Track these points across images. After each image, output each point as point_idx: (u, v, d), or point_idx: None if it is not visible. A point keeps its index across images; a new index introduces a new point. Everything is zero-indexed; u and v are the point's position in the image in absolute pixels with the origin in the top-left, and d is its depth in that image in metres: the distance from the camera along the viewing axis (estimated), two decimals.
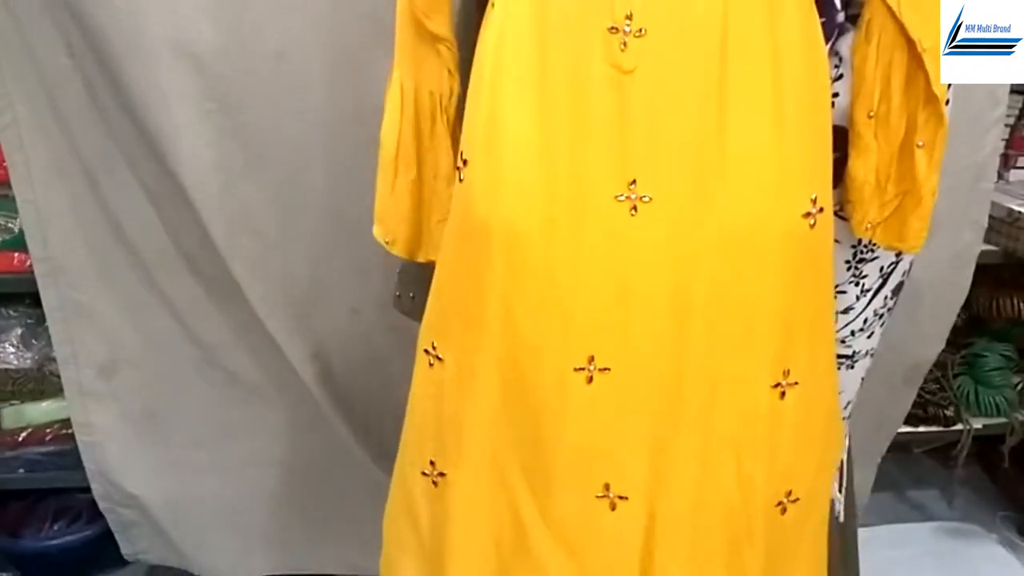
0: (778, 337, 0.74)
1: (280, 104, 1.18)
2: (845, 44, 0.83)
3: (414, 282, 1.03)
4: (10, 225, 1.40)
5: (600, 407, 0.73)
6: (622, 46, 0.69)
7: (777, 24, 0.71)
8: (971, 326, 1.58)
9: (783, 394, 0.75)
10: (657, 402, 0.73)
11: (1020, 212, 1.45)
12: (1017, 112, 1.55)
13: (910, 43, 0.76)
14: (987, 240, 1.46)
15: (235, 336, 1.39)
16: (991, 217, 1.45)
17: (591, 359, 0.72)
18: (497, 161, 0.73)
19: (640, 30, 0.69)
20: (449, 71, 0.86)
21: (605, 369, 0.72)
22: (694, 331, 0.72)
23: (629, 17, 0.69)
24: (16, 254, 1.42)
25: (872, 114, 0.79)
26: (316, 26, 1.14)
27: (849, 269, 0.89)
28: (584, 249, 0.71)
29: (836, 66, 0.83)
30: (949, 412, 1.62)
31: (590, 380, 0.72)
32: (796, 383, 0.75)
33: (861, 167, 0.80)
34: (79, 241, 1.34)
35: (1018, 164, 1.59)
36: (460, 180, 0.76)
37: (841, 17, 0.82)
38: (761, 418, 0.75)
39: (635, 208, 0.70)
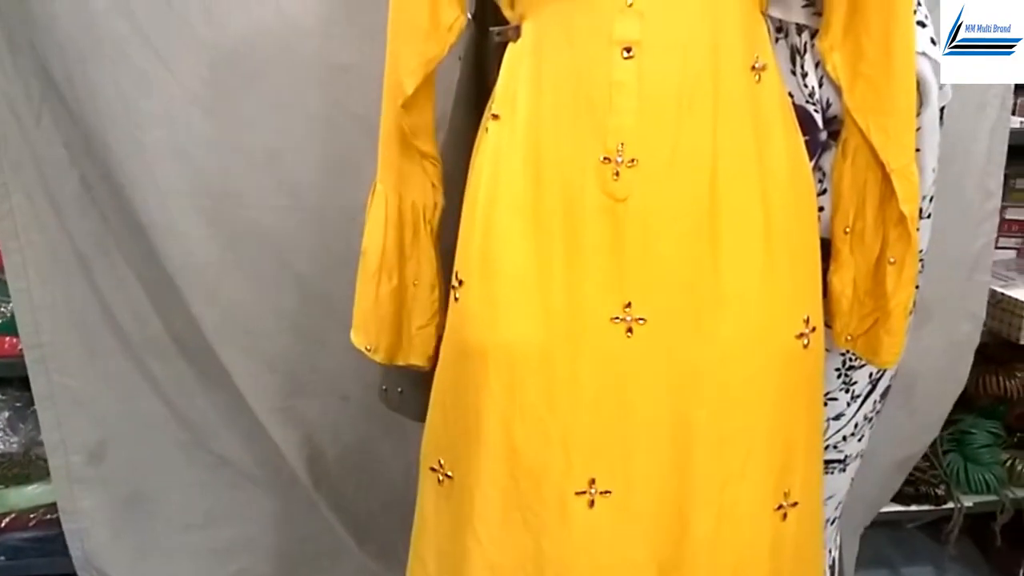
0: (779, 458, 0.76)
1: (273, 200, 1.21)
2: (828, 160, 0.87)
3: (400, 377, 1.05)
4: (2, 309, 1.41)
5: (603, 531, 0.74)
6: (615, 176, 0.73)
7: (764, 149, 0.75)
8: (958, 403, 1.60)
9: (785, 515, 0.77)
10: (661, 526, 0.74)
11: (1003, 294, 1.49)
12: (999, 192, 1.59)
13: (881, 164, 0.80)
14: None
15: (224, 420, 1.39)
16: None
17: (592, 482, 0.74)
18: (493, 284, 0.75)
19: (632, 160, 0.72)
20: (433, 185, 0.89)
21: (607, 492, 0.74)
22: (696, 455, 0.74)
23: (621, 148, 0.72)
24: (7, 338, 1.42)
25: (848, 230, 0.83)
26: (309, 125, 1.18)
27: (839, 376, 0.92)
28: (582, 371, 0.73)
29: (820, 180, 0.87)
30: (940, 491, 1.63)
31: (592, 504, 0.74)
32: (796, 503, 0.77)
33: (839, 280, 0.84)
34: (71, 327, 1.35)
35: (1000, 245, 1.63)
36: (455, 299, 0.79)
37: (824, 135, 0.86)
38: (766, 543, 0.76)
39: (631, 330, 0.73)
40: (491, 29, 0.86)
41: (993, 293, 1.49)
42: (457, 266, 0.80)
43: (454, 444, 0.79)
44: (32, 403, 1.44)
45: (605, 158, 0.73)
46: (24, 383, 1.43)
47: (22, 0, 1.13)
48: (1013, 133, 1.43)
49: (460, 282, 0.79)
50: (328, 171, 1.20)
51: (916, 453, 1.49)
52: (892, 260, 0.81)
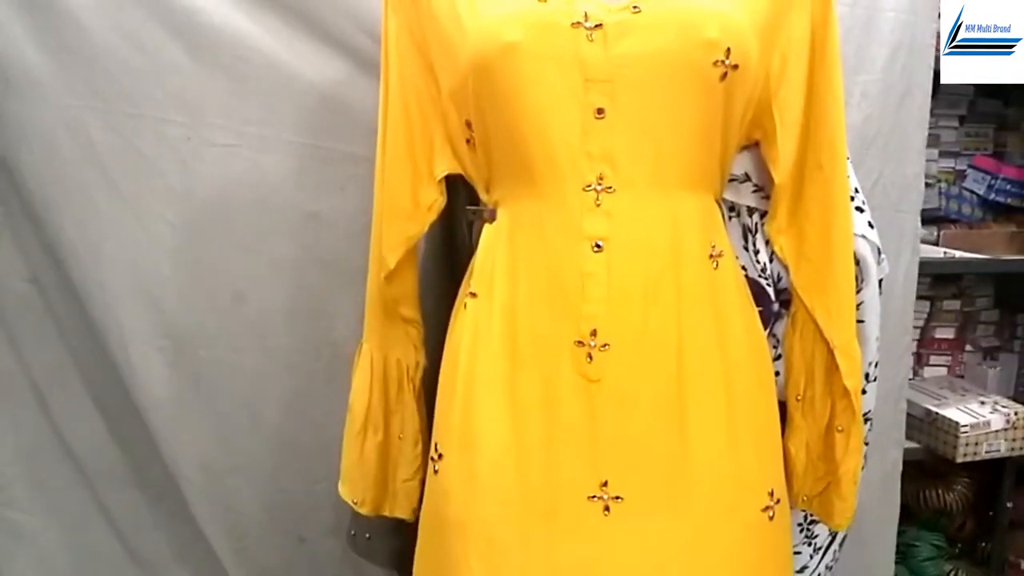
0: None
1: (237, 341, 1.23)
2: (780, 328, 0.95)
3: (369, 523, 1.07)
4: None
5: None
6: (588, 358, 0.78)
7: (724, 329, 0.82)
8: (901, 517, 1.68)
9: None
10: None
11: (936, 413, 1.59)
12: (926, 314, 1.72)
13: (826, 340, 0.88)
14: (908, 437, 1.59)
15: (178, 556, 1.37)
16: (911, 416, 1.59)
17: None
18: (472, 460, 0.80)
19: (604, 344, 0.78)
20: (415, 346, 0.95)
21: None
22: None
23: (594, 333, 0.78)
24: None
25: (800, 397, 0.91)
26: (276, 269, 1.21)
27: (802, 531, 0.98)
28: (560, 550, 0.77)
29: (775, 347, 0.95)
30: None
31: None
32: None
33: (793, 444, 0.91)
34: (19, 460, 1.33)
35: (931, 362, 1.76)
36: (435, 472, 0.83)
37: (776, 306, 0.95)
38: None
39: (608, 508, 0.78)
40: (467, 208, 0.93)
41: (928, 412, 1.60)
42: (436, 437, 0.84)
43: None
44: None
45: (579, 342, 0.78)
46: None
47: None
48: (936, 263, 1.57)
49: (440, 455, 0.83)
50: (293, 314, 1.23)
51: None
52: (840, 428, 0.89)
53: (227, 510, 1.31)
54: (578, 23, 0.77)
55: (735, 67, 0.77)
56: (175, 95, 1.13)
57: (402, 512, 0.96)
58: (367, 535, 1.09)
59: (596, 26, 0.77)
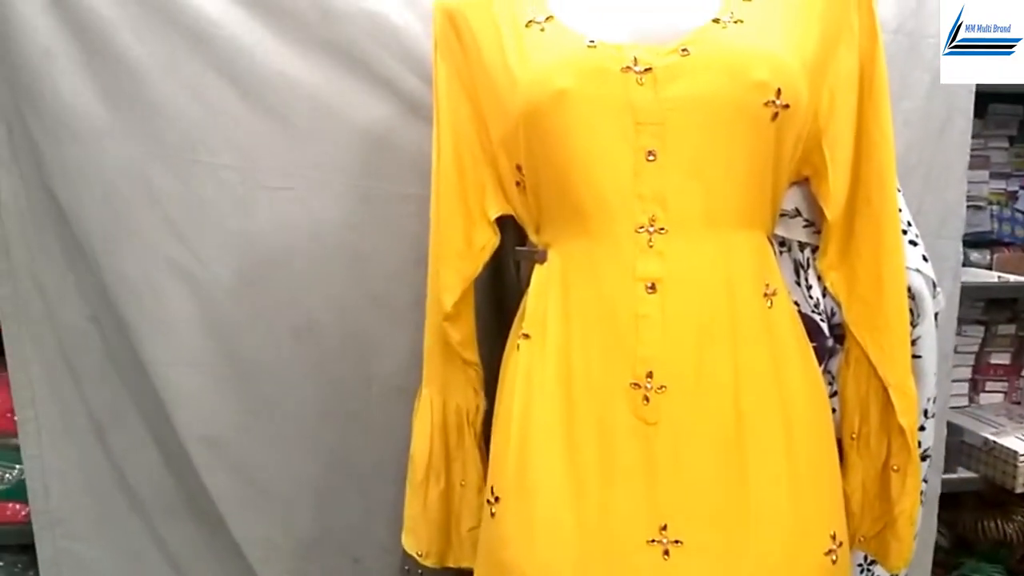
0: None
1: (293, 376, 1.26)
2: (835, 364, 0.94)
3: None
4: (8, 476, 1.43)
5: None
6: (645, 400, 0.79)
7: (780, 368, 0.82)
8: (959, 547, 1.65)
9: None
10: None
11: (994, 442, 1.56)
12: (980, 339, 1.69)
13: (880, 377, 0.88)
14: (967, 467, 1.56)
15: None
16: (968, 444, 1.56)
17: None
18: (529, 504, 0.80)
19: (661, 387, 0.79)
20: (476, 390, 0.97)
21: None
22: None
23: (650, 375, 0.79)
24: (11, 504, 1.43)
25: (855, 436, 0.91)
26: (328, 305, 1.24)
27: (862, 572, 0.97)
28: None
29: (830, 383, 0.94)
30: None
31: None
32: None
33: (848, 483, 0.91)
34: (81, 492, 1.37)
35: (987, 388, 1.72)
36: (492, 515, 0.84)
37: (830, 342, 0.94)
38: None
39: (667, 552, 0.78)
40: (517, 248, 0.94)
41: (985, 441, 1.57)
42: (492, 481, 0.85)
43: None
44: (28, 568, 1.45)
45: (635, 384, 0.79)
46: (22, 549, 1.45)
47: (53, 192, 1.21)
48: (990, 287, 1.55)
49: (496, 498, 0.84)
50: (347, 347, 1.26)
51: None
52: (896, 468, 0.88)
53: (283, 530, 1.33)
54: (628, 68, 0.78)
55: (786, 107, 0.78)
56: (230, 140, 1.16)
57: (468, 562, 0.97)
58: (420, 571, 1.11)
59: (646, 70, 0.78)
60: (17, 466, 1.38)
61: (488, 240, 0.92)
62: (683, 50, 0.78)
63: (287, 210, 1.19)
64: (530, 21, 0.83)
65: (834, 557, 0.81)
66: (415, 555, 0.97)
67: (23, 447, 1.34)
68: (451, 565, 0.97)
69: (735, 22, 0.79)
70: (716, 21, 0.80)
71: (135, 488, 1.37)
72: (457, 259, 0.92)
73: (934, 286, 0.96)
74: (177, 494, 1.37)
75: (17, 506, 1.42)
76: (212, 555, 1.40)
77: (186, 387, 1.25)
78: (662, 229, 0.79)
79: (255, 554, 1.34)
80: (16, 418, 1.33)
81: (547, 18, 0.83)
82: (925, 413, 0.95)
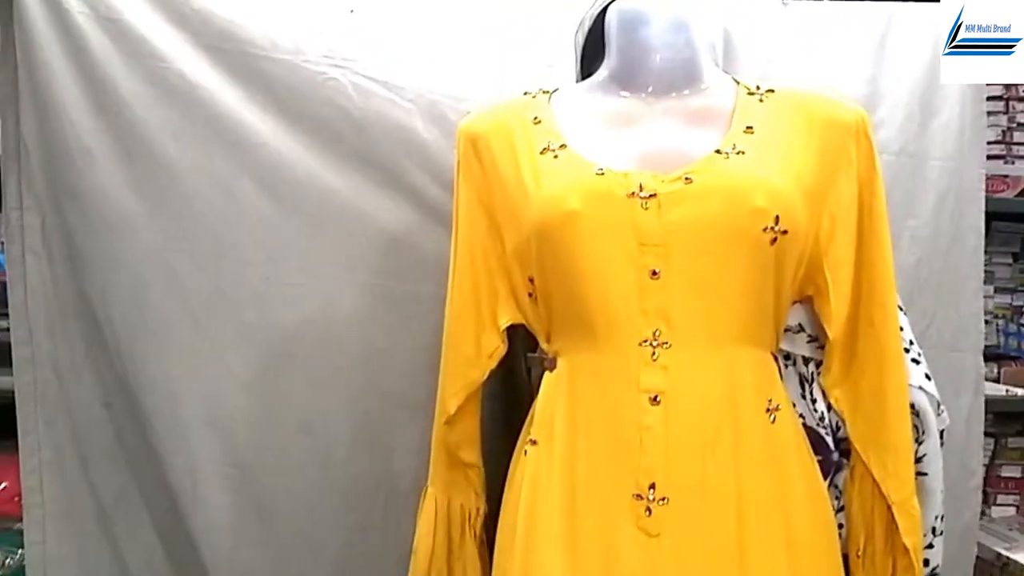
0: None
1: (299, 472, 1.28)
2: (842, 478, 0.96)
3: None
4: (9, 561, 1.44)
5: None
6: (647, 512, 0.82)
7: (783, 483, 0.85)
8: None
9: None
10: None
11: (1008, 557, 1.55)
12: (991, 452, 1.70)
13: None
14: None
15: None
16: (980, 559, 1.55)
17: None
18: None
19: (663, 498, 0.82)
20: (476, 492, 1.00)
21: None
22: None
23: (652, 487, 0.82)
24: None
25: (860, 553, 0.92)
26: (341, 401, 1.28)
27: None
28: None
29: (837, 498, 0.96)
30: None
31: None
32: None
33: None
34: None
35: (998, 502, 1.72)
36: None
37: (836, 455, 0.97)
38: None
39: None
40: (528, 355, 0.99)
41: (998, 555, 1.56)
42: None
43: None
44: None
45: (637, 495, 0.82)
46: None
47: (80, 282, 1.26)
48: (999, 401, 1.57)
49: None
50: (356, 445, 1.29)
51: None
52: None
53: None
54: (633, 193, 0.84)
55: (784, 232, 0.83)
56: (257, 239, 1.23)
57: None
58: None
59: (650, 196, 0.84)
60: (20, 551, 1.39)
61: (496, 348, 0.97)
62: (686, 178, 0.84)
63: (307, 306, 1.25)
64: (545, 148, 0.90)
65: None
66: None
67: (26, 533, 1.35)
68: None
69: (737, 153, 0.86)
70: (719, 152, 0.86)
71: None
72: (465, 365, 0.97)
73: (938, 404, 0.99)
74: None
75: None
76: None
77: (190, 481, 1.28)
78: (666, 343, 0.84)
79: None
80: (23, 503, 1.35)
81: (560, 146, 0.90)
82: (933, 531, 0.96)
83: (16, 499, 1.37)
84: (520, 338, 1.04)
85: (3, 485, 1.44)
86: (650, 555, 0.81)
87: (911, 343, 0.99)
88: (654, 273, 0.84)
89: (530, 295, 0.92)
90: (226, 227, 1.23)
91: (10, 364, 1.30)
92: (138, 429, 1.30)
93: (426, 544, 0.98)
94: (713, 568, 0.81)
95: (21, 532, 1.36)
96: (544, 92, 0.98)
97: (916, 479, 0.94)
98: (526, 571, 0.84)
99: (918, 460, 0.95)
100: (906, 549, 0.89)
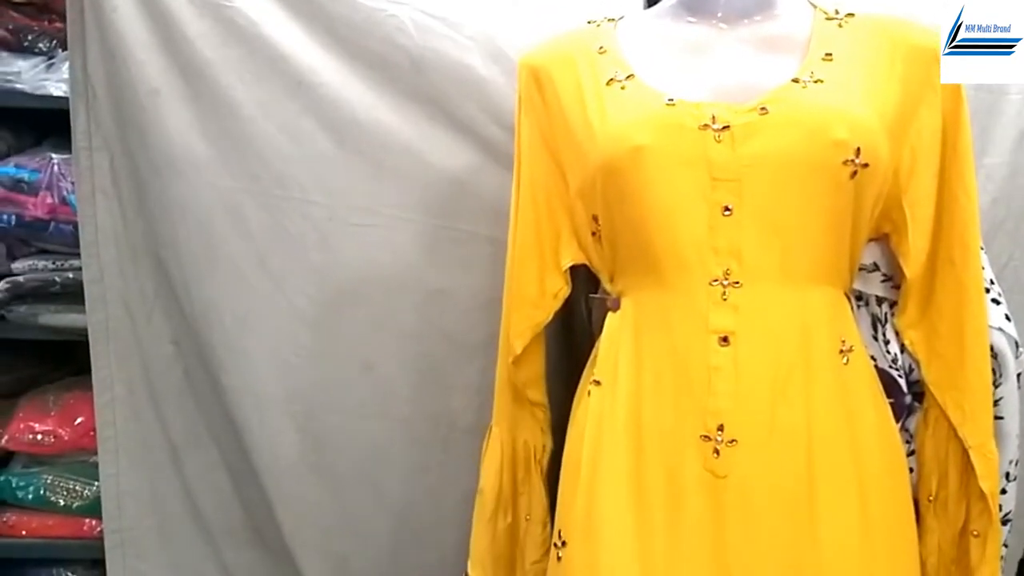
0: None
1: (363, 410, 1.32)
2: (913, 422, 0.95)
3: None
4: (86, 492, 1.52)
5: None
6: (715, 453, 0.82)
7: (855, 426, 0.84)
8: None
9: None
10: None
11: None
12: None
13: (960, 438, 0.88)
14: None
15: None
16: None
17: None
18: (595, 550, 0.84)
19: (732, 440, 0.81)
20: (542, 429, 1.01)
21: None
22: None
23: (721, 428, 0.82)
24: (86, 520, 1.52)
25: (932, 498, 0.91)
26: (402, 341, 1.30)
27: None
28: None
29: (908, 442, 0.95)
30: None
31: None
32: None
33: (924, 547, 0.91)
34: (152, 513, 1.44)
35: None
36: (558, 559, 0.87)
37: (908, 399, 0.95)
38: None
39: None
40: (590, 296, 0.99)
41: None
42: (559, 524, 0.88)
43: None
44: None
45: (705, 436, 0.82)
46: (94, 564, 1.54)
47: (149, 221, 1.31)
48: None
49: (563, 542, 0.87)
50: (416, 384, 1.31)
51: None
52: (976, 533, 0.88)
53: (341, 573, 1.37)
54: (706, 125, 0.82)
55: (865, 166, 0.81)
56: (320, 179, 1.25)
57: None
58: None
59: (724, 128, 0.82)
60: (95, 483, 1.47)
61: (560, 289, 0.97)
62: (762, 109, 0.82)
63: (369, 246, 1.26)
64: (611, 79, 0.88)
65: None
66: None
67: (101, 465, 1.42)
68: None
69: (815, 82, 0.83)
70: (796, 81, 0.84)
71: (204, 513, 1.44)
72: (529, 306, 0.97)
73: (1016, 346, 0.96)
74: (243, 521, 1.44)
75: (93, 522, 1.51)
76: None
77: (257, 417, 1.32)
78: (736, 282, 0.82)
79: None
80: (97, 437, 1.42)
81: (628, 76, 0.88)
82: (1007, 476, 0.94)
83: (91, 433, 1.43)
84: (580, 278, 1.04)
85: (79, 420, 1.51)
86: (717, 496, 0.81)
87: (992, 283, 0.96)
88: (726, 209, 0.82)
89: (594, 234, 0.92)
90: (289, 167, 1.24)
91: (83, 302, 1.35)
92: (205, 367, 1.35)
93: (493, 484, 1.00)
94: (782, 510, 0.81)
95: (96, 465, 1.43)
96: (609, 20, 0.96)
97: (993, 423, 0.92)
98: (590, 509, 0.85)
99: (995, 403, 0.92)
100: (982, 494, 0.87)
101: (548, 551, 0.98)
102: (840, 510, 0.81)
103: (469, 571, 1.01)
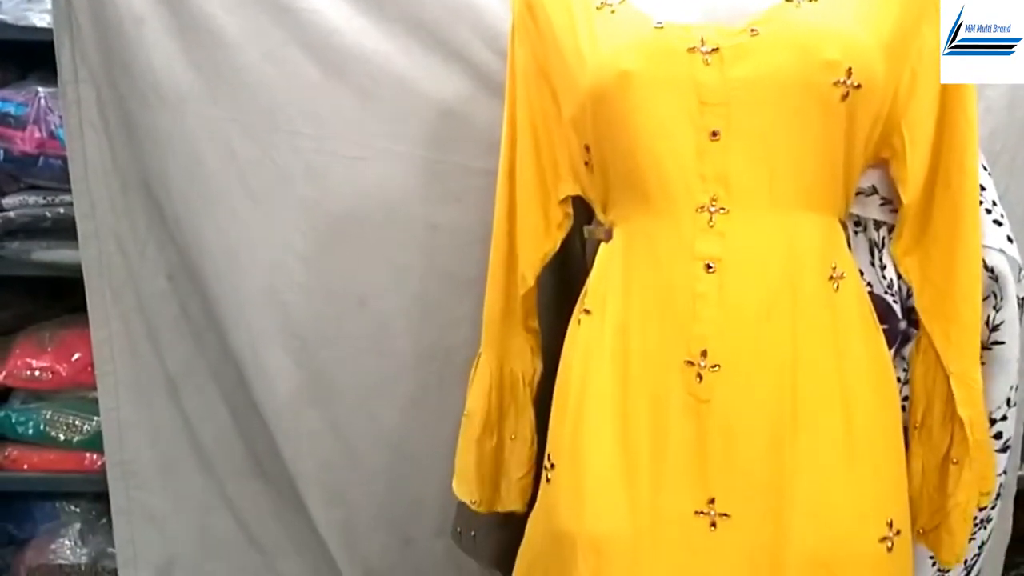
0: None
1: (358, 344, 1.33)
2: (909, 349, 0.95)
3: (475, 522, 1.14)
4: (86, 427, 1.54)
5: None
6: (698, 378, 0.82)
7: (844, 354, 0.84)
8: (1020, 543, 1.61)
9: None
10: None
11: None
12: None
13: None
14: None
15: (295, 545, 1.48)
16: None
17: None
18: (581, 475, 0.85)
19: (715, 365, 0.82)
20: (533, 352, 1.03)
21: None
22: None
23: (704, 354, 0.82)
24: (87, 454, 1.55)
25: (918, 425, 0.92)
26: (396, 275, 1.31)
27: (934, 565, 0.98)
28: (666, 563, 0.82)
29: (905, 370, 0.95)
30: None
31: None
32: None
33: (908, 472, 0.91)
34: (154, 447, 1.47)
35: None
36: (547, 480, 0.89)
37: (903, 324, 0.95)
38: None
39: (714, 524, 0.82)
40: (585, 227, 0.99)
41: None
42: (549, 448, 0.90)
43: None
44: (102, 516, 1.57)
45: (689, 362, 0.83)
46: (96, 497, 1.58)
47: (138, 154, 1.30)
48: None
49: (552, 465, 0.89)
50: (411, 319, 1.32)
51: None
52: (955, 460, 0.89)
53: (341, 507, 1.41)
54: (694, 48, 0.81)
55: (857, 87, 0.79)
56: (307, 110, 1.23)
57: (516, 506, 1.05)
58: (472, 533, 1.17)
59: (713, 50, 0.81)
60: (95, 418, 1.50)
61: (564, 218, 0.97)
62: (752, 30, 0.80)
63: (360, 180, 1.26)
64: (602, 4, 0.87)
65: (889, 544, 0.82)
66: (469, 503, 1.03)
67: (101, 400, 1.44)
68: (499, 510, 1.05)
69: (808, 0, 0.81)
70: (789, 0, 0.82)
71: (205, 445, 1.46)
72: (538, 237, 0.98)
73: (1020, 269, 0.95)
74: (244, 453, 1.46)
75: (94, 456, 1.54)
76: (277, 516, 1.49)
77: (252, 351, 1.34)
78: (723, 209, 0.82)
79: (316, 518, 1.42)
80: (95, 372, 1.43)
81: (619, 1, 0.86)
82: (1008, 402, 0.95)
83: (89, 369, 1.45)
84: (578, 211, 1.04)
85: (76, 356, 1.52)
86: (700, 421, 0.82)
87: (994, 203, 0.95)
88: (714, 134, 0.81)
89: (586, 164, 0.91)
90: (277, 98, 1.23)
91: (76, 238, 1.35)
92: (200, 302, 1.36)
93: (480, 406, 1.02)
94: (763, 433, 0.82)
95: (95, 400, 1.45)
96: None
97: (992, 348, 0.92)
98: (577, 433, 0.86)
99: (995, 328, 0.92)
100: (963, 421, 0.88)
101: (532, 466, 1.01)
102: (823, 435, 0.82)
103: (454, 487, 1.04)
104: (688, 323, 0.82)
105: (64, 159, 1.36)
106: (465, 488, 1.04)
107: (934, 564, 0.99)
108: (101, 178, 1.33)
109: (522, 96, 0.97)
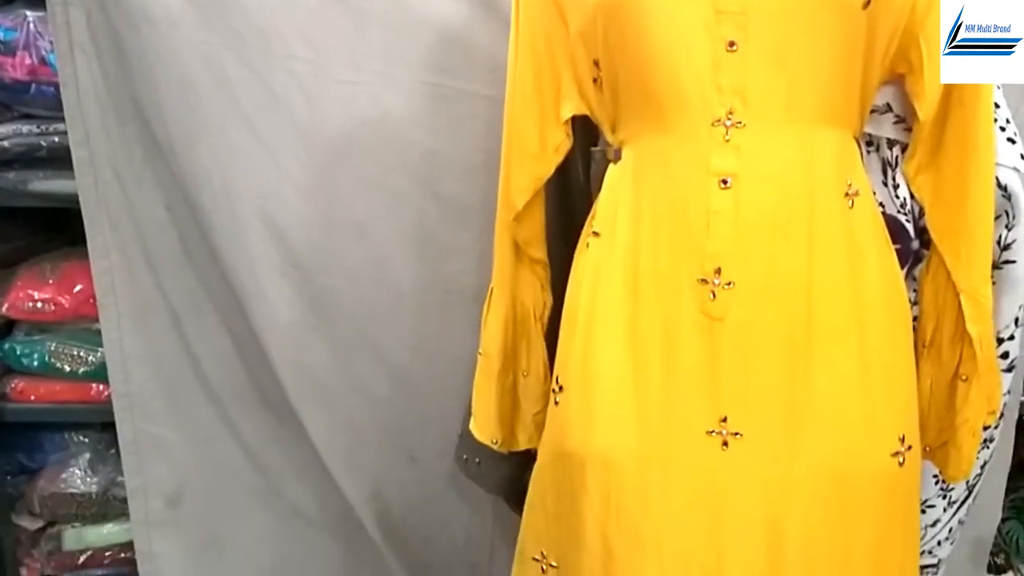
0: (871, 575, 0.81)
1: (357, 272, 1.29)
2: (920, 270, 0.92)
3: (479, 449, 1.12)
4: (91, 358, 1.51)
5: None
6: (712, 296, 0.79)
7: (858, 272, 0.81)
8: (1020, 470, 1.62)
9: None
10: None
11: None
12: None
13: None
14: None
15: (299, 471, 1.47)
16: None
17: None
18: (591, 394, 0.83)
19: (729, 283, 0.79)
20: (542, 286, 0.98)
21: None
22: (789, 570, 0.79)
23: (718, 271, 0.79)
24: (93, 385, 1.52)
25: (927, 344, 0.89)
26: (395, 203, 1.26)
27: (937, 483, 0.97)
28: (676, 481, 0.80)
29: (915, 290, 0.92)
30: (999, 560, 1.65)
31: None
32: None
33: (917, 391, 0.89)
34: (157, 377, 1.44)
35: None
36: (555, 403, 0.86)
37: (916, 244, 0.92)
38: None
39: (726, 443, 0.79)
40: (592, 149, 0.94)
41: None
42: (557, 371, 0.87)
43: (558, 540, 0.86)
44: (111, 446, 1.55)
45: (702, 279, 0.79)
46: (104, 427, 1.56)
47: (131, 80, 1.23)
48: None
49: (560, 387, 0.86)
50: (412, 247, 1.28)
51: (986, 538, 1.50)
52: (964, 377, 0.87)
53: (345, 428, 1.39)
54: None
55: None
56: (303, 32, 1.17)
57: (532, 443, 1.01)
58: (477, 460, 1.15)
59: None
60: (100, 349, 1.46)
61: (561, 142, 0.92)
62: None
63: (356, 105, 1.20)
64: None
65: (901, 459, 0.81)
66: (488, 443, 1.00)
67: (104, 331, 1.41)
68: (517, 449, 1.01)
69: None
70: None
71: (209, 375, 1.44)
72: (530, 160, 0.92)
73: None
74: (248, 382, 1.44)
75: (100, 387, 1.51)
76: (280, 442, 1.47)
77: (252, 281, 1.30)
78: (740, 123, 0.78)
79: (319, 443, 1.41)
80: (97, 303, 1.40)
81: None
82: (1016, 321, 0.92)
83: (91, 300, 1.41)
84: (577, 135, 0.99)
85: (78, 287, 1.48)
86: (713, 338, 0.79)
87: (1008, 121, 0.91)
88: (731, 45, 0.77)
89: (595, 81, 0.86)
90: (271, 20, 1.17)
91: (72, 167, 1.30)
92: (199, 231, 1.31)
93: (496, 343, 0.98)
94: (778, 352, 0.79)
95: (98, 332, 1.42)
96: None
97: (1002, 267, 0.90)
98: (587, 355, 0.84)
99: (1007, 247, 0.89)
100: (972, 338, 0.85)
101: (546, 405, 0.96)
102: (838, 352, 0.80)
103: (473, 430, 1.00)
104: (702, 240, 0.79)
105: (56, 86, 1.30)
106: (486, 429, 1.00)
107: (937, 482, 0.98)
108: (95, 105, 1.27)
109: (524, 12, 0.91)
